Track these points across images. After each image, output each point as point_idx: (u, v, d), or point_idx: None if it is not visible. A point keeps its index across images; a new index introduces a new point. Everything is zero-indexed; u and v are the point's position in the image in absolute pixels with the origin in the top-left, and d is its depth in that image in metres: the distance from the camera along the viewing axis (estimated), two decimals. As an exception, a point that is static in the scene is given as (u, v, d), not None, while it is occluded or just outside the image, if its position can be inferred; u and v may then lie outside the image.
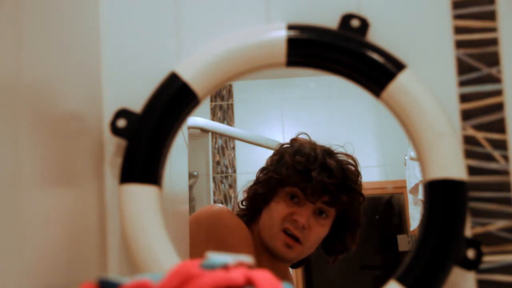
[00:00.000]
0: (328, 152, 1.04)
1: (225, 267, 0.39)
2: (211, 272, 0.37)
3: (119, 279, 0.40)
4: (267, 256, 1.04)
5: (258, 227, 1.05)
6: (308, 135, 1.10)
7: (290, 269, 1.16)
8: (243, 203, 1.10)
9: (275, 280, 0.38)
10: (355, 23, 0.65)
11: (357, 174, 1.05)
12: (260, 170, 1.09)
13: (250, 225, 1.07)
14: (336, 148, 1.06)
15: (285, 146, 1.09)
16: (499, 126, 0.65)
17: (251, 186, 1.09)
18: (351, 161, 1.05)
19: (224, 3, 0.69)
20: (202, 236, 0.98)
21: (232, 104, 2.98)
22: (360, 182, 1.05)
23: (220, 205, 1.12)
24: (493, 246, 0.64)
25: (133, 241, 0.60)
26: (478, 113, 0.66)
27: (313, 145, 1.06)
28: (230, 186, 2.89)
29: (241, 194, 1.14)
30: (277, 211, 1.02)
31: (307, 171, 1.00)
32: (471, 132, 0.66)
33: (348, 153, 1.06)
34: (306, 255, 1.07)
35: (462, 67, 0.67)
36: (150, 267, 0.59)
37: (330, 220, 1.04)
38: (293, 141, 1.09)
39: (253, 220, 1.07)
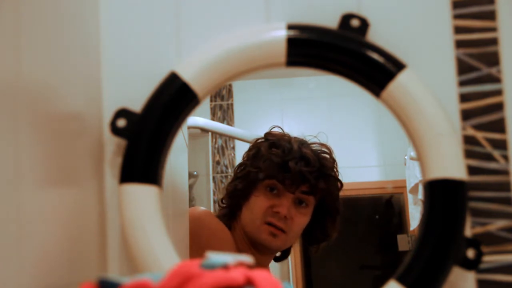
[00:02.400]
0: (303, 143, 1.06)
1: (225, 267, 0.39)
2: (211, 272, 0.37)
3: (119, 279, 0.40)
4: (251, 253, 1.04)
5: (241, 223, 1.06)
6: (281, 128, 1.11)
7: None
8: (223, 200, 1.11)
9: (275, 280, 0.38)
10: (355, 23, 0.65)
11: (333, 161, 1.07)
12: (237, 166, 1.11)
13: (232, 222, 1.07)
14: (309, 139, 1.08)
15: (260, 140, 1.10)
16: (499, 126, 0.65)
17: (230, 183, 1.10)
18: (325, 149, 1.07)
19: (224, 3, 0.69)
20: None
21: (232, 104, 2.98)
22: (337, 169, 1.07)
23: (202, 208, 1.12)
24: (493, 246, 0.64)
25: (133, 241, 0.60)
26: (478, 113, 0.66)
27: (287, 137, 1.08)
28: (230, 186, 2.88)
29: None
30: (257, 205, 1.03)
31: (284, 162, 1.02)
32: (471, 132, 0.66)
33: (322, 142, 1.08)
34: (290, 244, 1.09)
35: (462, 67, 0.67)
36: (150, 267, 0.59)
37: (310, 208, 1.06)
38: (267, 135, 1.10)
39: (234, 217, 1.08)
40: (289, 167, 1.01)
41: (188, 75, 0.63)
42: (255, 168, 1.05)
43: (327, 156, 1.06)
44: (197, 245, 0.98)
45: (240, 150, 2.90)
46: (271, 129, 1.12)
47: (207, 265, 0.39)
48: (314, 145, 1.07)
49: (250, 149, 1.10)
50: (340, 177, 1.08)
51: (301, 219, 1.05)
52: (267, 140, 1.08)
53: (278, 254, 1.13)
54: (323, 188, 1.03)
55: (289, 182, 1.02)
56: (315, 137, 1.09)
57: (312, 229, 1.09)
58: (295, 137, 1.08)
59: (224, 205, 1.10)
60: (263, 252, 1.05)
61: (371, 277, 2.88)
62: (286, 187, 1.02)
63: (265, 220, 1.02)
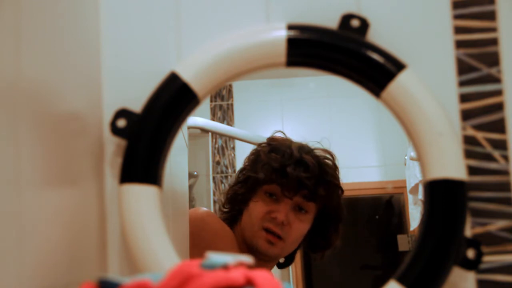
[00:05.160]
0: (304, 148, 1.05)
1: (225, 267, 0.39)
2: (211, 272, 0.37)
3: (119, 279, 0.40)
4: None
5: (241, 228, 1.05)
6: (284, 133, 1.11)
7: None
8: (224, 206, 1.10)
9: (275, 280, 0.38)
10: (355, 23, 0.65)
11: (335, 168, 1.06)
12: (238, 171, 1.10)
13: (233, 227, 1.07)
14: (312, 144, 1.07)
15: (262, 145, 1.09)
16: (499, 126, 0.65)
17: (231, 188, 1.10)
18: (328, 155, 1.06)
19: (224, 3, 0.69)
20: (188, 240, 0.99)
21: (232, 104, 2.98)
22: (338, 176, 1.06)
23: (204, 208, 1.12)
24: (493, 246, 0.64)
25: (133, 241, 0.60)
26: (478, 113, 0.66)
27: (288, 142, 1.07)
28: (230, 186, 2.88)
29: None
30: (256, 210, 1.03)
31: (282, 167, 1.01)
32: (471, 132, 0.66)
33: (325, 147, 1.07)
34: (289, 251, 1.08)
35: (462, 67, 0.67)
36: (150, 267, 0.59)
37: (311, 215, 1.05)
38: (269, 139, 1.10)
39: (235, 222, 1.07)
40: (287, 172, 1.00)
41: (188, 75, 0.63)
42: (254, 172, 1.04)
43: (329, 162, 1.05)
44: (199, 246, 0.98)
45: (240, 150, 2.90)
46: (274, 133, 1.11)
47: (207, 265, 0.39)
48: (317, 150, 1.06)
49: (251, 154, 1.10)
50: (341, 180, 1.07)
51: (300, 226, 1.03)
52: (268, 145, 1.07)
53: (281, 260, 1.12)
54: (322, 195, 1.02)
55: (287, 188, 1.01)
56: (318, 142, 1.08)
57: (314, 236, 1.08)
58: (296, 143, 1.07)
59: (226, 210, 1.10)
60: (261, 259, 1.04)
61: (372, 277, 2.88)
62: (284, 192, 1.01)
63: (263, 225, 1.01)
